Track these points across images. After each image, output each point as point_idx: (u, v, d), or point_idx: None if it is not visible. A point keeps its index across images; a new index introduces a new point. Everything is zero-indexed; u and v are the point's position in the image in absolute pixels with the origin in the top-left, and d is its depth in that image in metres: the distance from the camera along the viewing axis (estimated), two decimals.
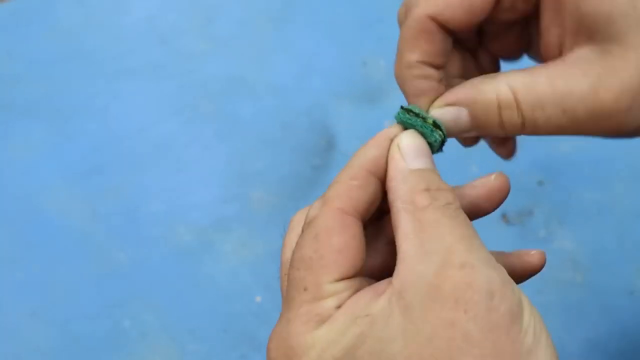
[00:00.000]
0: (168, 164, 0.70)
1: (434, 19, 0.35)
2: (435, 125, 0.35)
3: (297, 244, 0.32)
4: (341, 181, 0.32)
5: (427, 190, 0.31)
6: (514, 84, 0.34)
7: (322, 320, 0.29)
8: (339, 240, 0.31)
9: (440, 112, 0.35)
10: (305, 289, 0.30)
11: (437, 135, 0.35)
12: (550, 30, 0.35)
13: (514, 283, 0.29)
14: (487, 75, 0.36)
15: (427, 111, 0.35)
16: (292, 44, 0.76)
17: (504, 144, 0.42)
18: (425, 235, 0.29)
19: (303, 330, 0.29)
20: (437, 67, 0.36)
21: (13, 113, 0.73)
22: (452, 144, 0.69)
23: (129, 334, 0.63)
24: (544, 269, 0.64)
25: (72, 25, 0.78)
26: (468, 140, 0.41)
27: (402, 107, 0.36)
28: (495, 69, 0.41)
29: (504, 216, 0.66)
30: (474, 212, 0.36)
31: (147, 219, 0.67)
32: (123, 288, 0.64)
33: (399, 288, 0.29)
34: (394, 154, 0.33)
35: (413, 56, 0.35)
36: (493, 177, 0.36)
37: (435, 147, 0.35)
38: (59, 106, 0.73)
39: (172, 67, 0.75)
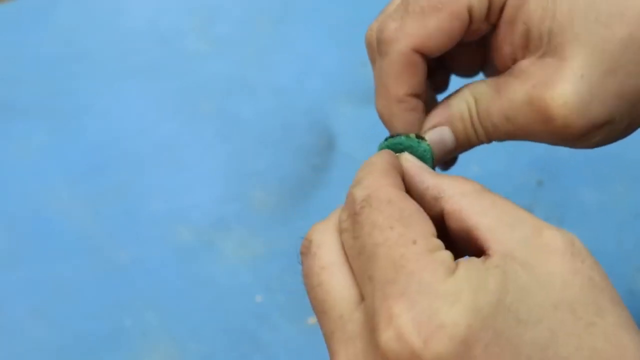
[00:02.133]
0: (169, 164, 0.70)
1: (418, 51, 0.36)
2: (418, 137, 0.37)
3: (362, 216, 0.30)
4: (377, 166, 0.33)
5: (466, 181, 0.32)
6: (476, 94, 0.37)
7: (450, 270, 0.27)
8: (414, 205, 0.30)
9: (428, 136, 0.37)
10: (414, 242, 0.28)
11: (425, 145, 0.37)
12: (504, 48, 0.37)
13: None
14: (455, 91, 0.38)
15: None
16: (292, 44, 0.76)
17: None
18: (497, 211, 0.30)
19: (437, 280, 0.27)
20: (419, 97, 0.37)
21: (14, 114, 0.73)
22: None
23: (129, 333, 0.63)
24: None
25: (73, 26, 0.78)
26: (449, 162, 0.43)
27: (388, 138, 0.37)
28: (447, 83, 0.43)
29: None
30: None
31: (147, 219, 0.67)
32: (124, 287, 0.64)
33: (505, 252, 0.28)
34: (414, 167, 0.34)
35: (402, 90, 0.36)
36: None
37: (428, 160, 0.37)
38: (60, 107, 0.73)
39: (173, 67, 0.75)
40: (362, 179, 0.32)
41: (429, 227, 0.29)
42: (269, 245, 0.66)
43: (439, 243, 0.29)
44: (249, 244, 0.66)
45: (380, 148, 0.37)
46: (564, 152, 0.69)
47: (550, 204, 0.66)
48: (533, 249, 0.28)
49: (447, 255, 0.28)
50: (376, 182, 0.31)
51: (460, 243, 0.31)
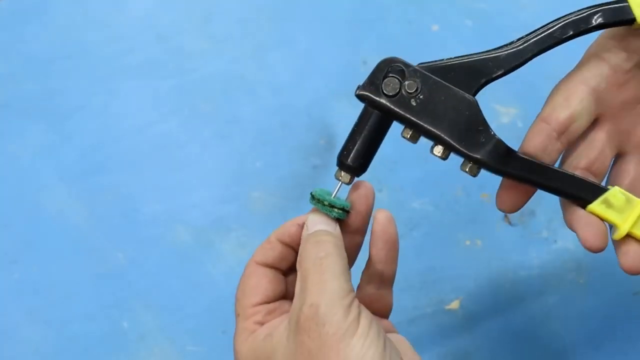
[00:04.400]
0: (167, 163, 0.70)
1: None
2: (342, 209, 0.45)
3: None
4: (261, 245, 0.47)
5: (308, 242, 0.44)
6: None
7: (250, 332, 0.44)
8: (253, 281, 0.46)
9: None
10: (238, 315, 0.45)
11: (344, 215, 0.46)
12: None
13: (356, 312, 0.41)
14: None
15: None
16: (291, 42, 0.76)
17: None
18: (300, 281, 0.43)
19: (239, 341, 0.44)
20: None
21: (10, 112, 0.73)
22: None
23: (127, 334, 0.62)
24: (546, 269, 0.64)
25: (70, 23, 0.77)
26: None
27: (312, 196, 0.46)
28: None
29: (506, 216, 0.66)
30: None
31: (145, 219, 0.67)
32: (121, 288, 0.64)
33: (289, 317, 0.43)
34: (304, 230, 0.46)
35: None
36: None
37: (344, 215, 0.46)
38: (57, 105, 0.73)
39: (171, 65, 0.75)
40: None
41: (253, 300, 0.45)
42: None
43: (252, 311, 0.45)
44: (248, 244, 0.66)
45: (310, 201, 0.47)
46: None
47: (552, 204, 0.66)
48: (294, 320, 0.41)
49: (251, 322, 0.44)
50: (252, 257, 0.47)
51: None
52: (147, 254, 0.66)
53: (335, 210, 0.45)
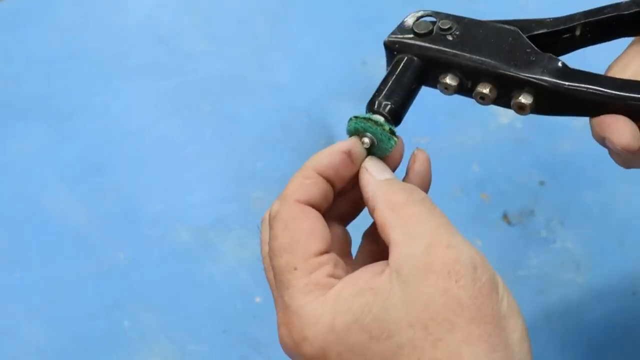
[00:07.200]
0: (167, 163, 0.70)
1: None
2: (391, 132, 0.38)
3: (270, 237, 0.37)
4: (296, 180, 0.38)
5: (402, 189, 0.37)
6: None
7: (322, 288, 0.35)
8: (306, 224, 0.36)
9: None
10: (295, 269, 0.35)
11: (393, 142, 0.38)
12: None
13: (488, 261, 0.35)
14: None
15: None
16: (291, 43, 0.76)
17: None
18: (410, 224, 0.35)
19: (308, 300, 0.35)
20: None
21: (11, 113, 0.73)
22: (452, 142, 0.69)
23: (128, 334, 0.62)
24: (545, 269, 0.64)
25: (71, 25, 0.78)
26: None
27: (356, 117, 0.38)
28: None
29: (505, 216, 0.66)
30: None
31: (146, 219, 0.67)
32: (122, 288, 0.64)
33: (396, 267, 0.34)
34: (363, 174, 0.38)
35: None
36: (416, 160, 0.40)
37: (389, 152, 0.39)
38: (58, 106, 0.73)
39: (171, 66, 0.75)
40: (286, 188, 0.38)
41: (315, 246, 0.36)
42: None
43: (319, 261, 0.35)
44: (248, 244, 0.66)
45: (350, 125, 0.39)
46: (566, 152, 0.69)
47: (552, 204, 0.66)
48: (417, 267, 0.33)
49: (324, 274, 0.35)
50: (289, 195, 0.37)
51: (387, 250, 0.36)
52: (147, 254, 0.66)
53: (394, 139, 0.38)
